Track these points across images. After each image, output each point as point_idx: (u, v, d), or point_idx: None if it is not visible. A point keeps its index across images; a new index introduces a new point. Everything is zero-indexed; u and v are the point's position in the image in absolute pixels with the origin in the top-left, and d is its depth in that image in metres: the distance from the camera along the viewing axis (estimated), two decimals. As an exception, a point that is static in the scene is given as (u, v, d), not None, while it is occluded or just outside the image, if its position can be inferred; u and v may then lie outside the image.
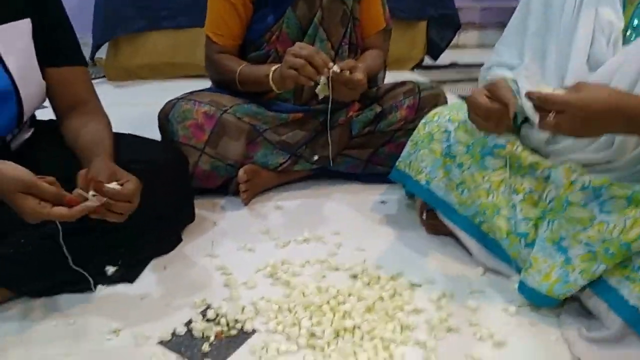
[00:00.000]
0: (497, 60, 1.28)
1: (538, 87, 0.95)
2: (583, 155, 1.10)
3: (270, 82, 1.41)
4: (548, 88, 0.95)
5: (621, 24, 1.07)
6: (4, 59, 1.09)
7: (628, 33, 1.08)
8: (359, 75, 1.32)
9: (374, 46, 1.66)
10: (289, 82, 1.34)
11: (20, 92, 1.11)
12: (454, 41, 3.01)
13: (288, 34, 1.53)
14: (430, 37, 2.92)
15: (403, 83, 1.65)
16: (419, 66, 2.97)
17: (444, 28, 2.92)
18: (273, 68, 1.41)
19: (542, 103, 0.94)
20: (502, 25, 1.34)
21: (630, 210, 0.99)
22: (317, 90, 1.36)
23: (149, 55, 2.65)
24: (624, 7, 1.09)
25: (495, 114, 1.05)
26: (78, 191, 0.97)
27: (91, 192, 0.97)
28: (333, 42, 1.57)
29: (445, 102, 1.64)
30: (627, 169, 1.07)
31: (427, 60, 3.01)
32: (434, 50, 2.95)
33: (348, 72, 1.31)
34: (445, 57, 3.00)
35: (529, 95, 0.96)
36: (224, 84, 1.58)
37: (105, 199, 0.97)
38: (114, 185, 1.00)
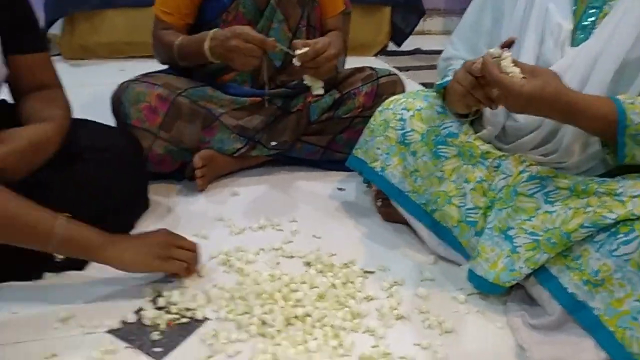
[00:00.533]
0: (455, 53, 1.30)
1: (501, 52, 1.00)
2: (532, 157, 1.13)
3: (207, 51, 1.37)
4: (507, 55, 0.99)
5: (570, 26, 1.10)
6: None
7: (577, 32, 1.10)
8: (320, 42, 1.31)
9: (334, 28, 1.65)
10: (238, 55, 1.32)
11: None
12: (418, 27, 3.02)
13: (244, 14, 1.51)
14: (394, 23, 2.92)
15: (361, 69, 1.65)
16: (382, 52, 2.97)
17: (408, 14, 2.93)
18: (210, 35, 1.36)
19: (491, 80, 0.99)
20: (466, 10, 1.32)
21: (572, 201, 1.02)
22: (314, 93, 1.36)
23: (107, 33, 2.58)
24: (576, 4, 1.11)
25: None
26: None
27: None
28: (290, 23, 1.55)
29: (403, 90, 1.65)
30: (579, 168, 1.10)
31: (391, 46, 3.01)
32: (398, 36, 2.96)
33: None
34: (409, 44, 3.00)
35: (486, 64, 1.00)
36: (168, 62, 1.55)
37: None
38: None
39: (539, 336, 1.02)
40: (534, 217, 1.06)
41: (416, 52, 3.06)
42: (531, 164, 1.10)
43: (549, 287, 1.05)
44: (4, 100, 1.29)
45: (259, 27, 1.52)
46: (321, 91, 1.36)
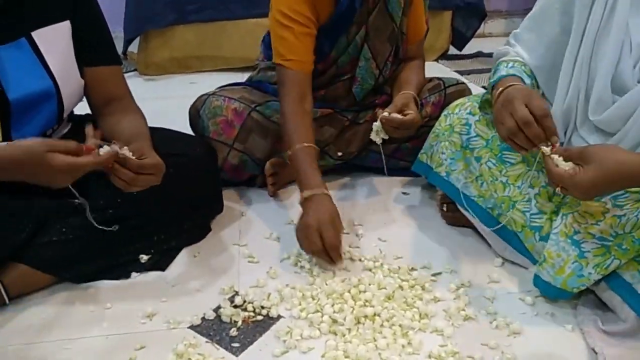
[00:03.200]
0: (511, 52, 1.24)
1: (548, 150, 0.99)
2: None
3: (300, 203, 1.30)
4: (559, 160, 0.98)
5: None
6: (47, 60, 1.16)
7: None
8: (412, 114, 1.35)
9: (415, 54, 1.61)
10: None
11: (61, 91, 1.18)
12: (479, 30, 3.00)
13: (339, 61, 1.52)
14: (455, 27, 2.91)
15: (429, 80, 1.65)
16: (443, 56, 2.97)
17: (469, 17, 2.91)
18: (308, 194, 1.27)
19: (550, 176, 0.98)
20: (529, 12, 1.25)
21: (642, 205, 0.99)
22: (372, 137, 1.41)
23: (178, 49, 2.71)
24: None
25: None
26: (94, 141, 1.03)
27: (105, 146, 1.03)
28: (378, 61, 1.54)
29: (470, 97, 1.65)
30: None
31: (452, 50, 3.00)
32: (459, 40, 2.94)
33: (399, 114, 1.36)
34: (471, 47, 2.98)
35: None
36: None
37: (117, 151, 1.02)
38: (125, 150, 1.04)
39: (612, 340, 1.01)
40: (601, 221, 1.04)
41: (478, 55, 3.03)
42: None
43: (621, 293, 1.03)
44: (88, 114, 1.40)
45: (340, 61, 1.52)
46: (378, 141, 1.42)
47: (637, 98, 1.03)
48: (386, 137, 1.42)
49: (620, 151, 0.94)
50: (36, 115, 1.17)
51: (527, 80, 1.15)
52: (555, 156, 0.97)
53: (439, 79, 1.66)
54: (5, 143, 1.01)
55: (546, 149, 0.99)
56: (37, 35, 1.15)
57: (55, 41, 1.18)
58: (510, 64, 1.18)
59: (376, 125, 1.40)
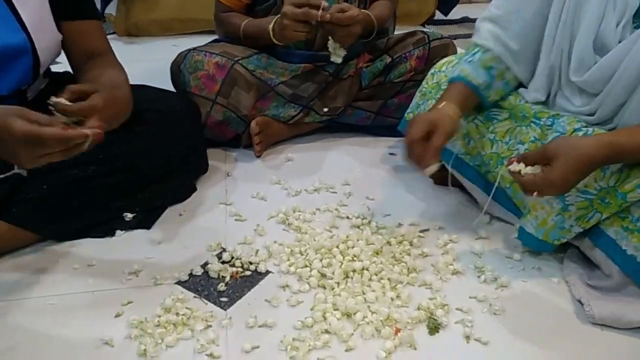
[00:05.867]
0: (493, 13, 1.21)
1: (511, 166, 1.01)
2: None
3: (271, 34, 1.45)
4: (518, 166, 1.00)
5: (636, 5, 1.02)
6: (20, 13, 1.10)
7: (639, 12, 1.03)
8: (351, 11, 1.36)
9: None
10: (289, 32, 1.38)
11: (36, 45, 1.13)
12: (465, -5, 2.97)
13: None
14: (441, -9, 2.88)
15: (413, 33, 1.64)
16: (429, 21, 2.94)
17: (456, -18, 2.88)
18: (273, 21, 1.45)
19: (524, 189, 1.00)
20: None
21: (628, 159, 0.98)
22: (332, 59, 1.44)
23: (159, 11, 2.64)
24: None
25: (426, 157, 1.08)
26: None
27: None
28: None
29: (455, 53, 1.63)
30: None
31: (439, 15, 2.97)
32: (445, 5, 2.91)
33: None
34: (457, 12, 2.96)
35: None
36: (231, 41, 1.59)
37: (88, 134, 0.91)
38: (62, 100, 0.93)
39: (597, 293, 1.03)
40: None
41: (464, 20, 3.01)
42: (587, 126, 1.08)
43: (606, 250, 1.04)
44: (68, 72, 1.36)
45: None
46: (338, 60, 1.46)
47: (617, 58, 1.01)
48: (344, 52, 1.45)
49: (579, 140, 0.98)
50: (10, 71, 1.12)
51: (480, 78, 1.16)
52: (521, 166, 1.00)
53: (422, 32, 1.64)
54: None
55: (513, 167, 1.01)
56: None
57: None
58: (470, 56, 1.20)
59: (330, 44, 1.43)
